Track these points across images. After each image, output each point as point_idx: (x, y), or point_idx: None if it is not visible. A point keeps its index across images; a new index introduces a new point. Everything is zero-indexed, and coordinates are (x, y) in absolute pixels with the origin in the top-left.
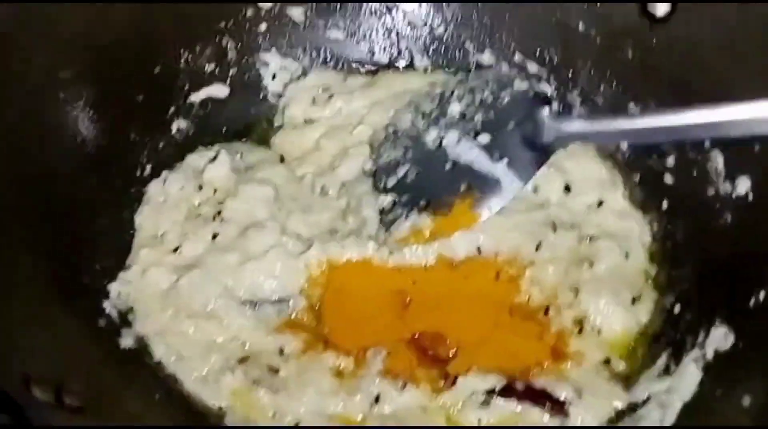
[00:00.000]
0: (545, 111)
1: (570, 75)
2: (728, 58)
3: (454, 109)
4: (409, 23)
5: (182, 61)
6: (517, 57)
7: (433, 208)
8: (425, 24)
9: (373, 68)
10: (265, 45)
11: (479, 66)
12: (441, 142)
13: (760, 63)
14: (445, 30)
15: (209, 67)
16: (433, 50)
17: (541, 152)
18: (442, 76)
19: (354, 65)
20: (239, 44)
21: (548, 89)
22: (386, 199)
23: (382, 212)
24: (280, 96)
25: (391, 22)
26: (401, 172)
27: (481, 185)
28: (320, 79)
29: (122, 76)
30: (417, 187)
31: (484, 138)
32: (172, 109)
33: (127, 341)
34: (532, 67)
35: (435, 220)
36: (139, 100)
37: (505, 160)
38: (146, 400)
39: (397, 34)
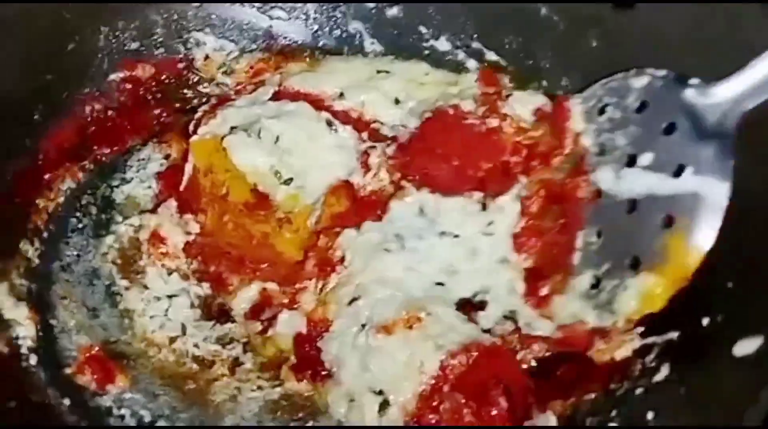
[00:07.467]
0: (689, 92)
1: (531, 64)
2: (692, 47)
3: (584, 144)
4: (359, 4)
5: (101, 38)
6: (475, 44)
7: (645, 263)
8: (375, 5)
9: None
10: (197, 23)
11: (434, 52)
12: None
13: (724, 50)
14: (398, 12)
15: (132, 46)
16: (384, 34)
17: (721, 137)
18: (394, 63)
19: (296, 48)
20: (168, 21)
21: None
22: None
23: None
24: (212, 80)
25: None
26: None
27: (681, 210)
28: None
29: (25, 53)
30: (612, 250)
31: (646, 158)
32: (87, 90)
33: None
34: (491, 56)
35: (658, 274)
36: (47, 79)
37: (690, 168)
38: None
39: (345, 14)
